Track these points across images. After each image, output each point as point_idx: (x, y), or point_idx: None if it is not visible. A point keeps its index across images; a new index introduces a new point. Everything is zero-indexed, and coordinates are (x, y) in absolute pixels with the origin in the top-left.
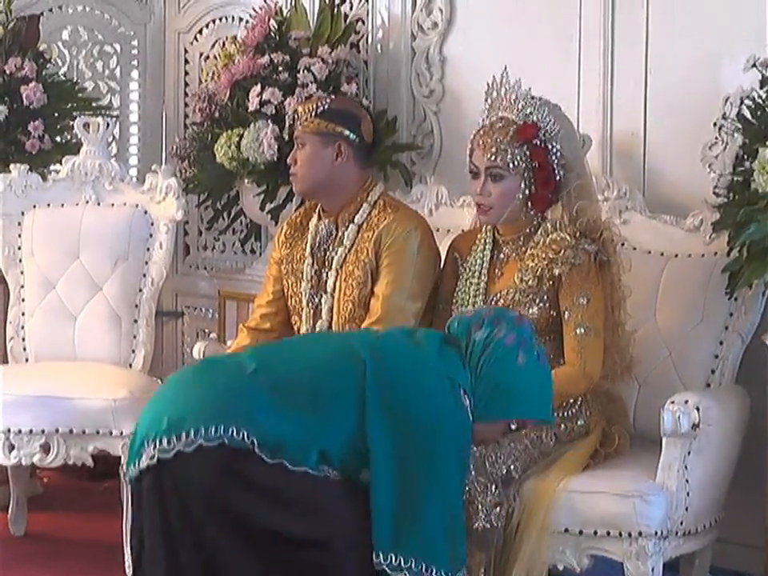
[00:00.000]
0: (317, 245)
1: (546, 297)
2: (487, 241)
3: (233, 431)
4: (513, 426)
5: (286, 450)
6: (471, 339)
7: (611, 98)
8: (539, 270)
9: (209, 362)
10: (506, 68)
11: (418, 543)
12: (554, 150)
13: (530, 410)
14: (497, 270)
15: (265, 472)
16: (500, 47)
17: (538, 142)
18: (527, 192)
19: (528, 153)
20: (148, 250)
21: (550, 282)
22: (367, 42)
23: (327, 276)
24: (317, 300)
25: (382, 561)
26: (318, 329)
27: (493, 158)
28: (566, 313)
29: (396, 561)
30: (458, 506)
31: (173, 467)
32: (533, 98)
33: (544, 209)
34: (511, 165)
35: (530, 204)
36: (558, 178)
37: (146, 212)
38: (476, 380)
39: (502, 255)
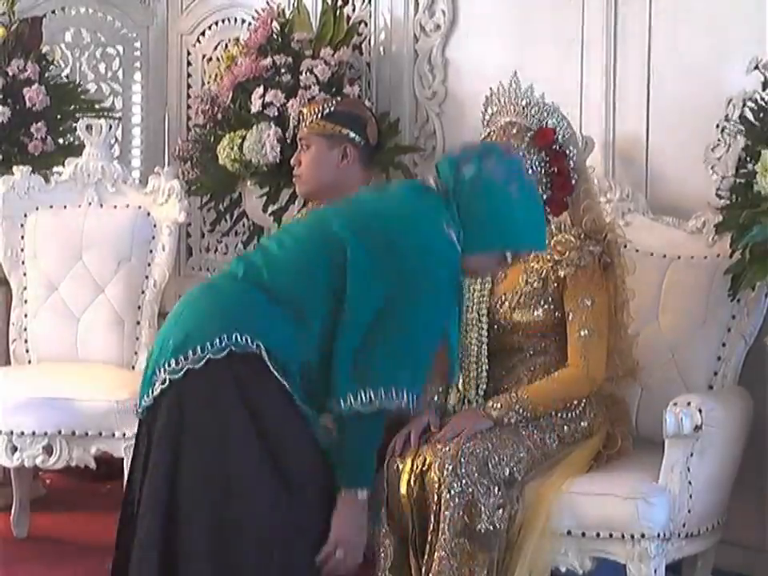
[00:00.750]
0: None
1: (550, 299)
2: None
3: (236, 337)
4: (508, 257)
5: (284, 360)
6: (461, 175)
7: (614, 100)
8: (544, 271)
9: (203, 283)
10: (515, 73)
11: (379, 371)
12: (571, 154)
13: (525, 241)
14: (501, 273)
15: (273, 387)
16: (503, 49)
17: (557, 147)
18: (544, 197)
19: (547, 158)
20: (151, 251)
21: (555, 284)
22: (370, 43)
23: None
24: None
25: (351, 404)
26: None
27: None
28: (570, 314)
29: (365, 397)
30: (435, 335)
31: (183, 386)
32: (545, 103)
33: (559, 212)
34: (530, 170)
35: (547, 208)
36: (573, 181)
37: (148, 214)
38: (468, 214)
39: None
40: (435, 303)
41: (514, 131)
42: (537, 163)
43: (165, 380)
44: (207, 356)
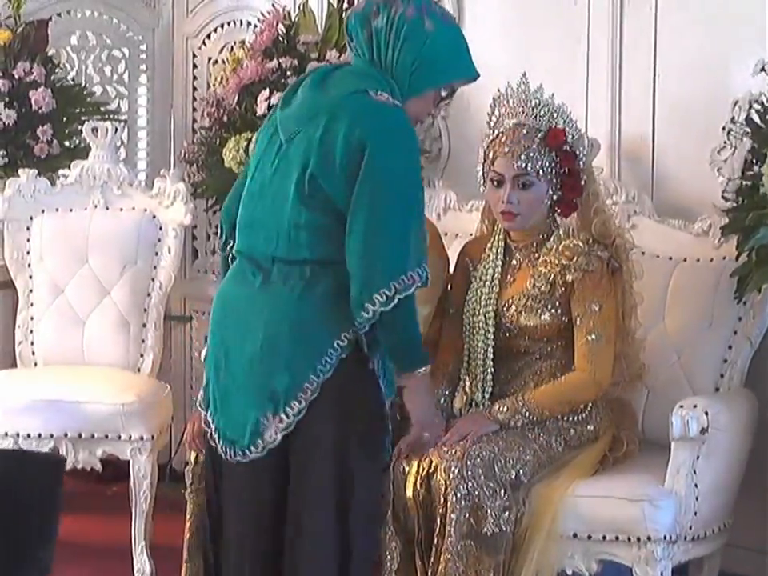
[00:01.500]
0: None
1: (558, 303)
2: (499, 247)
3: (337, 344)
4: (443, 94)
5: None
6: (372, 29)
7: (619, 102)
8: (552, 276)
9: (258, 298)
10: (524, 75)
11: (383, 268)
12: (581, 154)
13: (453, 72)
14: (509, 276)
15: (371, 384)
16: (508, 50)
17: (567, 148)
18: (554, 198)
19: (558, 159)
20: (156, 254)
21: (563, 289)
22: None
23: None
24: None
25: (372, 311)
26: None
27: (524, 165)
28: (578, 319)
29: (382, 297)
30: (418, 212)
31: (304, 422)
32: (554, 103)
33: (569, 213)
34: (541, 171)
35: (557, 209)
36: (582, 182)
37: (154, 216)
38: (392, 64)
39: (514, 261)
40: (406, 173)
41: (524, 132)
42: (547, 164)
43: (289, 425)
44: (322, 380)
